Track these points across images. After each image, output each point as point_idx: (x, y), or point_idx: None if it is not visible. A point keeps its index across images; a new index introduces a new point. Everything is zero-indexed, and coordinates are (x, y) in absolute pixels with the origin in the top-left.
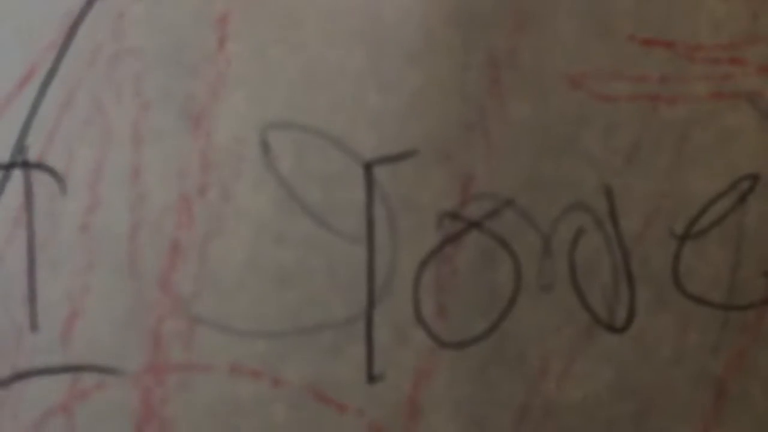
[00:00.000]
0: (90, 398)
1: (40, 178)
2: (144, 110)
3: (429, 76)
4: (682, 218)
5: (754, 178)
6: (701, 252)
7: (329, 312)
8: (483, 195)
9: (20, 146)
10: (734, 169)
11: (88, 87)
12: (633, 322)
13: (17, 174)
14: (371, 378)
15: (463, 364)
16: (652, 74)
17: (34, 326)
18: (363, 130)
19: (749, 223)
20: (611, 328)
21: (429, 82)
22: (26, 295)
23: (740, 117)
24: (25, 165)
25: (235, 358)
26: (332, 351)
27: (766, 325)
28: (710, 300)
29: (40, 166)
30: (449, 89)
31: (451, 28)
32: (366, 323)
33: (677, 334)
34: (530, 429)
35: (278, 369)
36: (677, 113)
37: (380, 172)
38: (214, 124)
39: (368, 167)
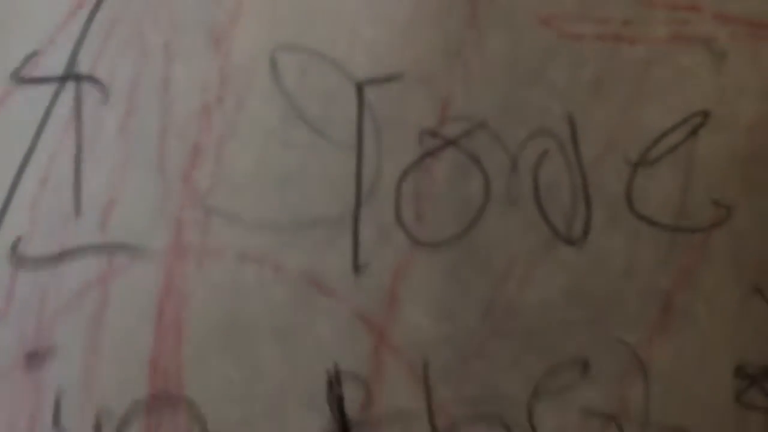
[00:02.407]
0: (123, 273)
1: (88, 89)
2: (174, 33)
3: (415, 12)
4: (637, 147)
5: (705, 114)
6: (653, 178)
7: (322, 209)
8: (459, 117)
9: (73, 61)
10: (688, 106)
11: (130, 12)
12: (588, 237)
13: (69, 85)
14: (357, 268)
15: (437, 263)
16: (615, 17)
17: (78, 212)
18: (357, 55)
19: (699, 154)
20: (568, 241)
21: (415, 16)
22: (72, 186)
23: (695, 58)
24: (77, 77)
25: (242, 245)
26: (324, 243)
27: (710, 247)
28: (660, 221)
29: (89, 78)
30: (433, 23)
31: None
32: (353, 221)
33: (628, 250)
34: (494, 323)
35: (278, 257)
36: (637, 53)
37: (370, 92)
38: (231, 45)
39: (360, 87)
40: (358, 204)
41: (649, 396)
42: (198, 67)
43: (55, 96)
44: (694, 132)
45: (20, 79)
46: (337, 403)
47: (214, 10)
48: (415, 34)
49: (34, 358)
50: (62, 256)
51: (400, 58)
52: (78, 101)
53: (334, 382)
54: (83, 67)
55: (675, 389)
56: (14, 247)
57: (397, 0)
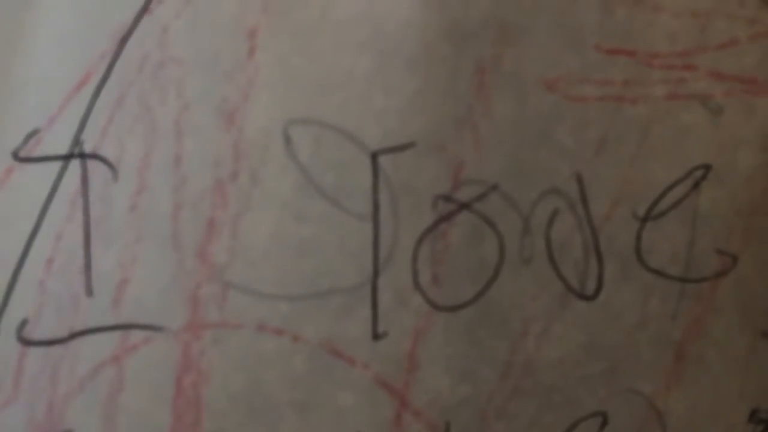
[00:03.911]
0: (138, 351)
1: (95, 167)
2: (185, 109)
3: (426, 80)
4: (643, 202)
5: (707, 167)
6: (660, 231)
7: (340, 279)
8: (472, 181)
9: (77, 140)
10: (689, 160)
11: (136, 90)
12: (601, 292)
13: (74, 163)
14: (376, 336)
15: (455, 325)
16: (616, 79)
17: (89, 292)
18: (370, 125)
19: (702, 206)
20: (582, 297)
21: (426, 85)
22: (83, 266)
23: (693, 115)
24: (82, 156)
25: (261, 317)
26: (343, 312)
27: (718, 295)
28: (669, 273)
29: (95, 156)
30: (443, 91)
31: (444, 39)
32: (371, 289)
33: (640, 302)
34: (513, 383)
35: (298, 327)
36: (638, 112)
37: (384, 161)
38: (244, 120)
39: (374, 156)
40: (375, 272)
41: None
42: (210, 143)
43: (59, 175)
44: (696, 185)
45: (21, 158)
46: None
47: (225, 85)
48: (425, 103)
49: None
50: (73, 337)
51: (412, 126)
52: (84, 180)
53: None
54: (88, 144)
55: None
56: (21, 329)
57: (406, 70)
